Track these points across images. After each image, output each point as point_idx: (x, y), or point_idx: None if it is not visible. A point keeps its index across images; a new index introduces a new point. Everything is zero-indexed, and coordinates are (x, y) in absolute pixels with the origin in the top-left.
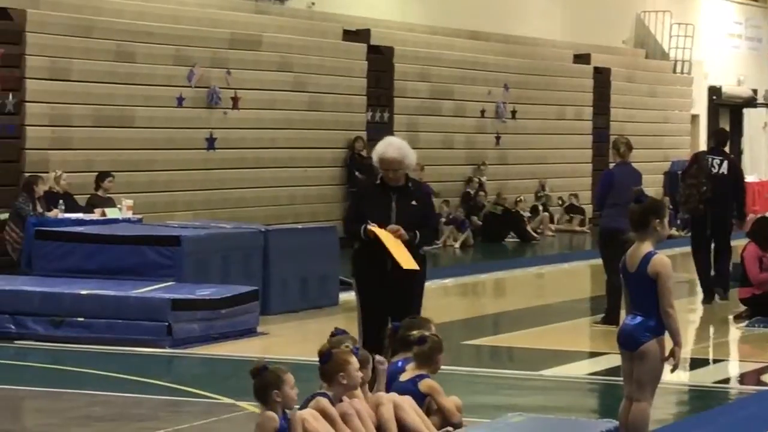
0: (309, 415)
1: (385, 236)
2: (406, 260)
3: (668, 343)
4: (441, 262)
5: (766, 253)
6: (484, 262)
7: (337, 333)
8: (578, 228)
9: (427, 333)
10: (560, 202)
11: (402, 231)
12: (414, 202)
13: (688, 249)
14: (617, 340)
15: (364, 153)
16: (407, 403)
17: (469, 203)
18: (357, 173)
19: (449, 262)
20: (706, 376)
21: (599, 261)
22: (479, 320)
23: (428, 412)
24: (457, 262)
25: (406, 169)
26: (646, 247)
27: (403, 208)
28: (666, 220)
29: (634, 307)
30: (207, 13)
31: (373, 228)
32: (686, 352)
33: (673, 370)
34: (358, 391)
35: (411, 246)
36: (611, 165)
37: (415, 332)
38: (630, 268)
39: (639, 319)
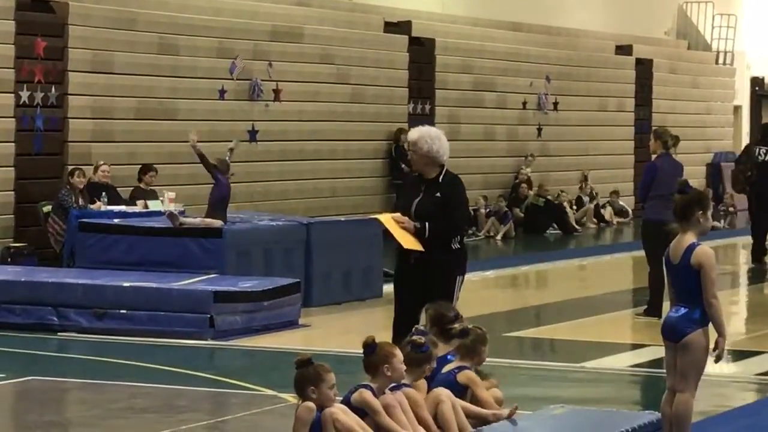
0: (339, 410)
1: (386, 220)
2: (408, 241)
3: (713, 335)
4: (483, 254)
5: None
6: (526, 253)
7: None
8: (621, 220)
9: (469, 326)
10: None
11: (406, 220)
12: (438, 194)
13: (730, 241)
14: (661, 332)
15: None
16: (446, 394)
17: (511, 195)
18: (403, 165)
19: (491, 253)
20: (749, 368)
21: (641, 253)
22: (521, 312)
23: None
24: (499, 253)
25: (427, 156)
26: (690, 238)
27: (424, 200)
28: (709, 212)
29: (678, 299)
30: (249, 5)
31: (378, 216)
32: (729, 343)
33: (716, 361)
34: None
35: (420, 236)
36: (653, 157)
37: (456, 325)
38: (673, 259)
39: (683, 310)
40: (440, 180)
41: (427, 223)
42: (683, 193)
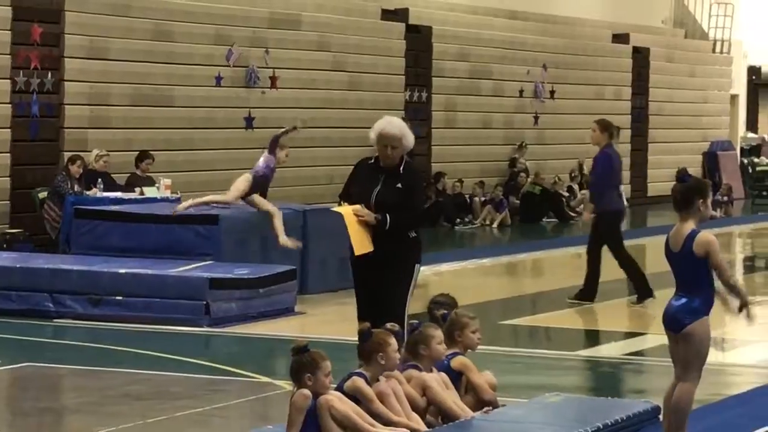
0: (335, 397)
1: (347, 214)
2: (360, 244)
3: (713, 322)
4: (479, 242)
5: None
6: (522, 242)
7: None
8: None
9: (448, 312)
10: None
11: (367, 213)
12: (399, 185)
13: (726, 229)
14: (663, 322)
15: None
16: (435, 382)
17: (508, 183)
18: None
19: (487, 241)
20: (744, 356)
21: (638, 241)
22: (517, 300)
23: (465, 390)
24: (495, 242)
25: (404, 150)
26: (689, 225)
27: (385, 190)
28: (710, 200)
29: (678, 288)
30: None
31: (338, 207)
32: (724, 332)
33: (750, 322)
34: (397, 372)
35: (380, 228)
36: (598, 148)
37: (441, 311)
38: (674, 247)
39: (683, 300)
40: (401, 170)
41: (388, 215)
42: (683, 181)
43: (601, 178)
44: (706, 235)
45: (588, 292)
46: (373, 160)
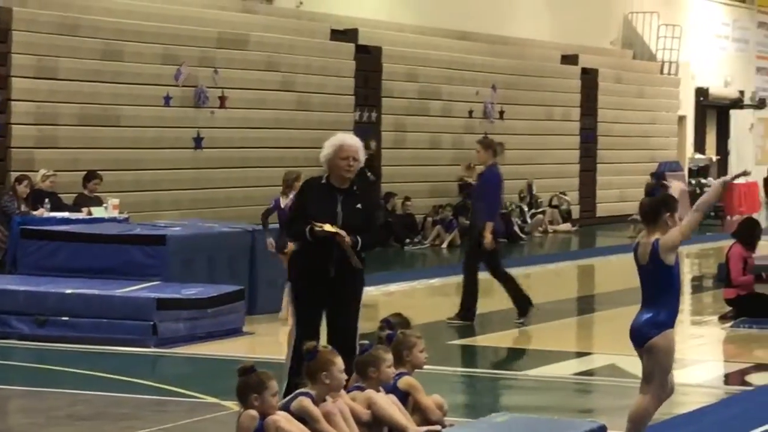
0: (282, 417)
1: (338, 232)
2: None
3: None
4: (428, 262)
5: (751, 254)
6: None
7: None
8: (569, 228)
9: (393, 332)
10: (550, 203)
11: (344, 234)
12: (359, 206)
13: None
14: (630, 337)
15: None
16: (380, 397)
17: (458, 203)
18: (369, 173)
19: (436, 262)
20: (690, 376)
21: (588, 261)
22: None
23: (412, 411)
24: (444, 262)
25: (361, 164)
26: (655, 237)
27: (348, 211)
28: (677, 215)
29: (645, 302)
30: (194, 12)
31: (326, 226)
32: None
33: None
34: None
35: (354, 250)
36: (482, 167)
37: (386, 332)
38: (641, 260)
39: (647, 314)
40: (355, 189)
41: (359, 237)
42: (651, 195)
43: (488, 195)
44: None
45: (522, 306)
46: (324, 181)
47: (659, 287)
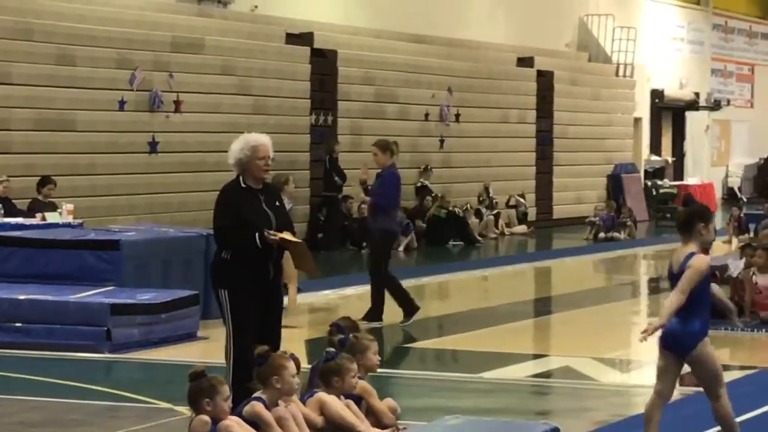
0: (234, 422)
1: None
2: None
3: (614, 343)
4: None
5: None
6: (428, 265)
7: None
8: (525, 230)
9: (346, 336)
10: (506, 205)
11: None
12: (277, 203)
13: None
14: (662, 343)
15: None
16: (331, 398)
17: (414, 207)
18: (336, 178)
19: (393, 265)
20: (645, 377)
21: (544, 263)
22: (422, 323)
23: (366, 415)
24: (401, 265)
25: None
26: (690, 248)
27: (275, 211)
28: (711, 225)
29: (679, 310)
30: (149, 16)
31: (282, 235)
32: (627, 353)
33: (642, 340)
34: (295, 397)
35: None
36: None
37: (336, 338)
38: (674, 267)
39: (684, 322)
40: (269, 186)
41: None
42: (686, 205)
43: (386, 197)
44: (701, 257)
45: (408, 308)
46: (244, 184)
47: (693, 297)
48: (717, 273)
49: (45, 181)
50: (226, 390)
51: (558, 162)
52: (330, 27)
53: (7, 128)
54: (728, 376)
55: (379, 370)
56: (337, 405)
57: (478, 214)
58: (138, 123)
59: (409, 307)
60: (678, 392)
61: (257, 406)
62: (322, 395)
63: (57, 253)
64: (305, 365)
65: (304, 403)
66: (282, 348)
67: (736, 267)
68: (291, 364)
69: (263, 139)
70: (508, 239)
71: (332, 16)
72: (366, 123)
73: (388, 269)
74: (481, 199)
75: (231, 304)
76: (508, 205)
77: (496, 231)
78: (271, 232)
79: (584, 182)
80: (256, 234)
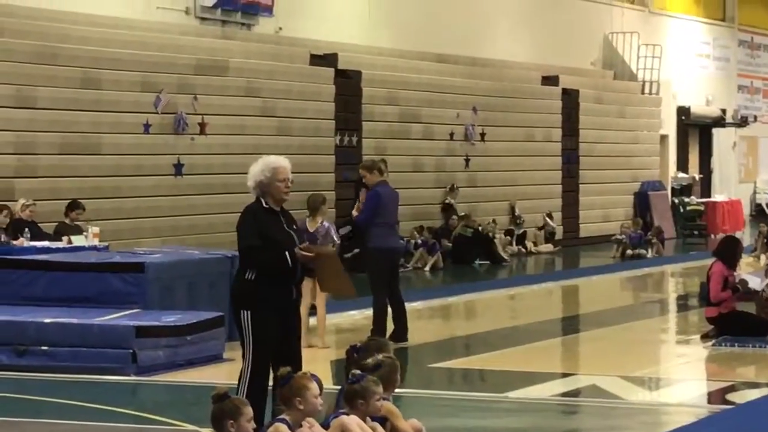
0: None
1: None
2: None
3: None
4: (411, 285)
5: (732, 273)
6: (455, 284)
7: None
8: (551, 249)
9: (380, 356)
10: (537, 228)
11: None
12: (295, 226)
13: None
14: None
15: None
16: (352, 420)
17: (440, 226)
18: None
19: (419, 285)
20: (672, 395)
21: (571, 281)
22: (449, 342)
23: None
24: (427, 284)
25: None
26: None
27: (295, 233)
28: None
29: None
30: (173, 39)
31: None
32: (654, 371)
33: None
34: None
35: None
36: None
37: (369, 360)
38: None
39: None
40: (285, 210)
41: None
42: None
43: (363, 213)
44: None
45: (379, 328)
46: (266, 205)
47: None
48: (739, 287)
49: (74, 205)
50: (249, 411)
51: (584, 180)
52: (354, 48)
53: (32, 152)
54: (758, 393)
55: (404, 390)
56: (356, 429)
57: (510, 233)
58: (163, 146)
59: (380, 328)
60: (706, 410)
61: (281, 427)
62: (343, 418)
63: (82, 276)
64: (330, 386)
65: (327, 425)
66: (306, 368)
67: (756, 283)
68: (314, 385)
69: (283, 162)
70: (535, 258)
71: (356, 37)
72: (391, 143)
73: (390, 287)
74: (517, 219)
75: (253, 325)
76: (539, 228)
77: (524, 249)
78: (303, 246)
79: (611, 200)
80: (286, 252)
